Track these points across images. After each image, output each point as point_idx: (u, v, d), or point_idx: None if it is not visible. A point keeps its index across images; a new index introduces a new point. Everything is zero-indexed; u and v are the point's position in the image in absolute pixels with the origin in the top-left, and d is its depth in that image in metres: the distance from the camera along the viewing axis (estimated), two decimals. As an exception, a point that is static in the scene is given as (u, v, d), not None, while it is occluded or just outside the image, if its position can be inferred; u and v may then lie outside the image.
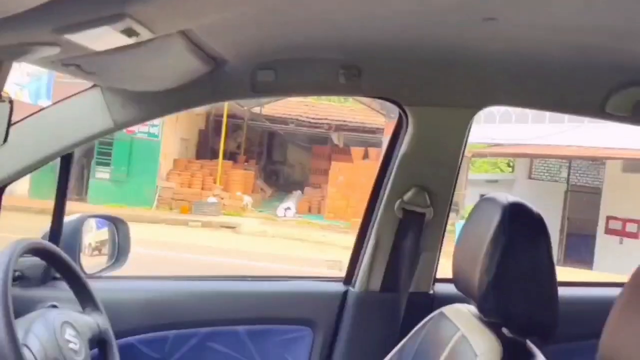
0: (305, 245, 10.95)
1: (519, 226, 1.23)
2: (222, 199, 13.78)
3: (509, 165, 17.65)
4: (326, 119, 15.45)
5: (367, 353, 1.73)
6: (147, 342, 1.71)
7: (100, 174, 13.36)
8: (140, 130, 12.89)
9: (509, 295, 1.21)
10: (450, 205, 1.79)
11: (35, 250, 1.35)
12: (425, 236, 1.75)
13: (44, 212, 2.28)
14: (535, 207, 1.26)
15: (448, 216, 1.81)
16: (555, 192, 14.03)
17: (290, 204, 14.56)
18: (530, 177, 15.16)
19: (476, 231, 1.31)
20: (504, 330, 1.24)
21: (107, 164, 13.33)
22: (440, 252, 1.81)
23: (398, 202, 1.74)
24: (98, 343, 1.44)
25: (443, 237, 1.80)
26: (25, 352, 1.14)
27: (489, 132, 12.35)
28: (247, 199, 14.19)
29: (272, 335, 1.76)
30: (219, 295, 1.81)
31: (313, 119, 15.43)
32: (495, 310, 1.23)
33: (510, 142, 13.36)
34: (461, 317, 1.36)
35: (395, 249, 1.76)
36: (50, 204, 1.72)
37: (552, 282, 1.22)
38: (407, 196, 1.74)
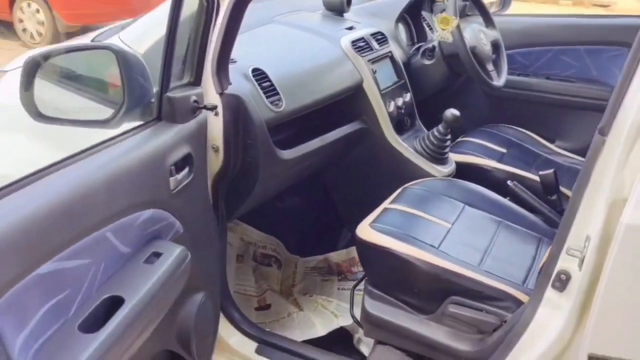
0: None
1: None
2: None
3: None
4: None
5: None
6: (520, 54, 2.83)
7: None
8: None
9: None
10: None
11: None
12: None
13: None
14: None
15: None
16: None
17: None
18: None
19: None
20: None
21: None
22: None
23: None
24: (494, 46, 2.60)
25: None
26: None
27: None
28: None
29: (604, 53, 2.70)
30: (565, 27, 2.80)
31: None
32: None
33: None
34: None
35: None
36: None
37: None
38: None
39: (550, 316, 1.39)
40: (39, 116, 1.36)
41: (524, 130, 2.71)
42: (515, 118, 2.81)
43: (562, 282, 1.34)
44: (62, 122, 1.37)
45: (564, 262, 1.34)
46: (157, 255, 1.27)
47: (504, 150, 2.51)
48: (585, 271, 1.28)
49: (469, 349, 1.64)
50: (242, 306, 2.00)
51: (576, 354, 1.32)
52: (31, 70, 1.32)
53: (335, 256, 2.39)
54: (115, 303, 1.13)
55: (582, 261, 1.29)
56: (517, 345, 1.45)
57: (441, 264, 1.66)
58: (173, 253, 1.30)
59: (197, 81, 1.51)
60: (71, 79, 1.47)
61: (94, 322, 1.08)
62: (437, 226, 1.83)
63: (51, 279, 1.00)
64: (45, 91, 1.36)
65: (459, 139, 2.62)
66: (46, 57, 1.34)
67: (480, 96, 2.90)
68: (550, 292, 1.38)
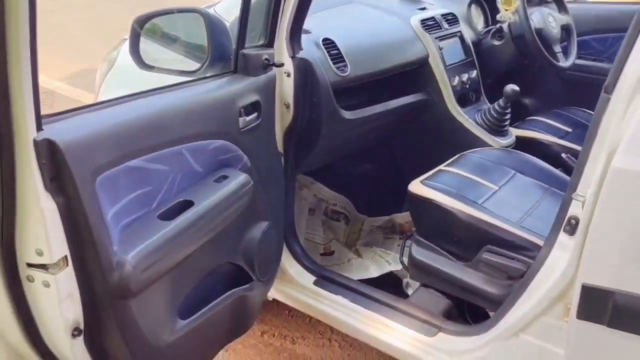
0: None
1: None
2: None
3: None
4: None
5: None
6: (595, 40, 2.92)
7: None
8: None
9: None
10: None
11: None
12: None
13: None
14: None
15: None
16: None
17: None
18: None
19: None
20: None
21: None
22: None
23: None
24: (565, 30, 2.71)
25: None
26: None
27: None
28: None
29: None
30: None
31: None
32: None
33: None
34: None
35: None
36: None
37: None
38: None
39: (560, 257, 1.56)
40: (143, 65, 1.71)
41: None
42: (588, 102, 2.85)
43: (572, 226, 1.51)
44: (159, 71, 1.73)
45: (574, 208, 1.51)
46: (225, 177, 1.59)
47: (569, 130, 2.63)
48: (585, 212, 1.45)
49: (498, 292, 1.83)
50: (310, 251, 2.29)
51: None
52: (136, 30, 1.68)
53: (400, 217, 2.62)
54: (187, 205, 1.46)
55: (583, 204, 1.46)
56: (531, 284, 1.63)
57: (479, 216, 1.86)
58: (238, 178, 1.62)
59: (270, 43, 1.81)
60: (167, 37, 1.82)
61: (169, 217, 1.41)
62: (484, 187, 2.01)
63: (138, 173, 1.34)
64: (147, 46, 1.71)
65: (528, 118, 2.76)
66: (147, 19, 1.69)
67: (555, 81, 3.01)
68: (562, 236, 1.55)
